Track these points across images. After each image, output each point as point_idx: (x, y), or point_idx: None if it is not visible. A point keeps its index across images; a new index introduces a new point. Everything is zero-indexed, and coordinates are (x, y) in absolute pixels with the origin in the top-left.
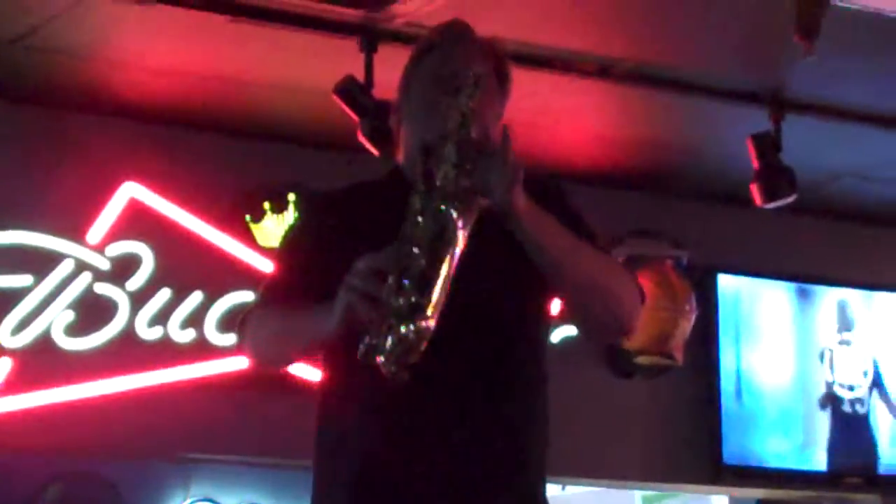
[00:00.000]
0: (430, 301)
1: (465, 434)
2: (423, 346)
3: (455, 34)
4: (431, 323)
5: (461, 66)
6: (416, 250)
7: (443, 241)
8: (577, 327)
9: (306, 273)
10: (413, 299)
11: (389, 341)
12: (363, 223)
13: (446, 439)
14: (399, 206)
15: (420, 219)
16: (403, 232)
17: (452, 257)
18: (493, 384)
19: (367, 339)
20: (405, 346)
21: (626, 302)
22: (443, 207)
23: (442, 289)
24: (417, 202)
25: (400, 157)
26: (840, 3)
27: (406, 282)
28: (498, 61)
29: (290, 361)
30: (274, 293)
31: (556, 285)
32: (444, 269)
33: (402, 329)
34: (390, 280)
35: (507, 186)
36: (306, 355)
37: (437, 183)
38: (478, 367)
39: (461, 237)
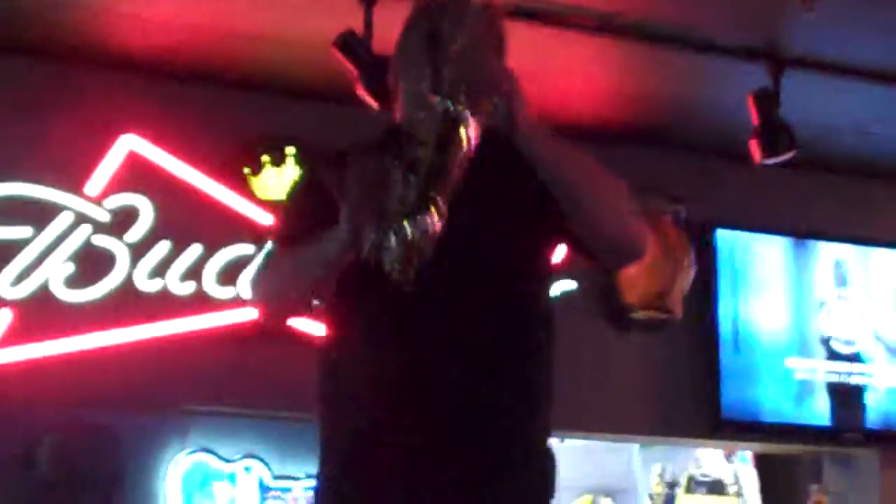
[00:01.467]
0: (436, 200)
1: (471, 385)
2: (430, 247)
3: None
4: (438, 224)
5: (450, 22)
6: (421, 148)
7: (450, 138)
8: (591, 251)
9: (312, 225)
10: (419, 197)
11: (394, 242)
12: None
13: (451, 390)
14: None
15: (424, 114)
16: (409, 122)
17: (459, 158)
18: (498, 335)
19: (373, 238)
20: (411, 247)
21: (634, 222)
22: (450, 103)
23: (449, 190)
24: (423, 96)
25: (397, 115)
26: None
27: (412, 178)
28: (493, 25)
29: (306, 298)
30: (282, 244)
31: (566, 200)
32: (452, 169)
33: (409, 229)
34: (395, 176)
35: (513, 95)
36: (324, 285)
37: (444, 76)
38: (483, 318)
39: (470, 137)
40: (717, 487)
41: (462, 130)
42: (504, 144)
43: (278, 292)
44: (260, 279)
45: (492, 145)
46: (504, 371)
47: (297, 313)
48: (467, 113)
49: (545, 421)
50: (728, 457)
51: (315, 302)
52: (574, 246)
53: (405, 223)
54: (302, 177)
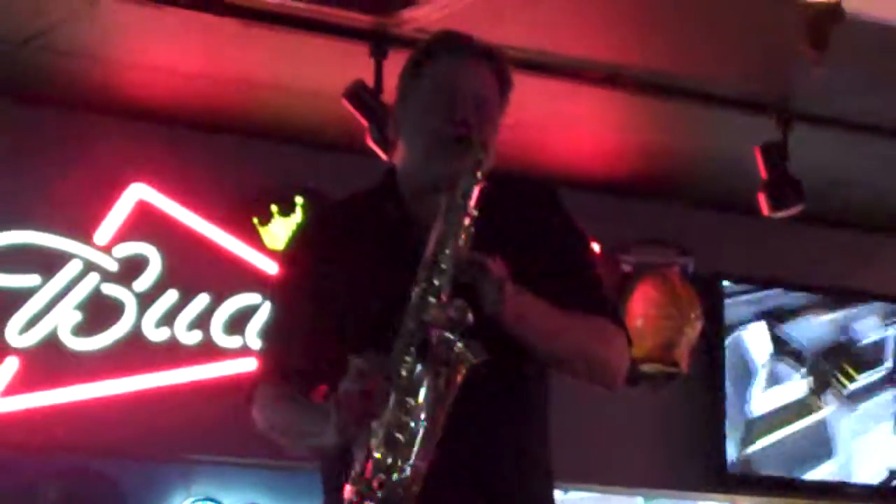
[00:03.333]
0: (425, 454)
1: (469, 431)
2: (417, 487)
3: (454, 44)
4: (424, 466)
5: (460, 83)
6: (414, 401)
7: (441, 403)
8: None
9: (300, 328)
10: (408, 456)
11: (381, 490)
12: (354, 251)
13: (451, 446)
14: (393, 220)
15: (419, 373)
16: (403, 374)
17: (451, 392)
18: (497, 383)
19: (355, 486)
20: (396, 491)
21: (613, 362)
22: (441, 370)
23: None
24: (416, 358)
25: (396, 159)
26: (849, 14)
27: (402, 438)
28: (499, 68)
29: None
30: (274, 362)
31: (545, 361)
32: (444, 412)
33: (397, 476)
34: (380, 433)
35: (494, 297)
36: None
37: (432, 338)
38: (482, 367)
39: (460, 377)
40: None
41: (447, 376)
42: (498, 206)
43: (276, 438)
44: (255, 407)
45: (485, 209)
46: (505, 430)
47: None
48: (457, 349)
49: (548, 477)
50: None
51: None
52: None
53: (395, 468)
54: (293, 244)
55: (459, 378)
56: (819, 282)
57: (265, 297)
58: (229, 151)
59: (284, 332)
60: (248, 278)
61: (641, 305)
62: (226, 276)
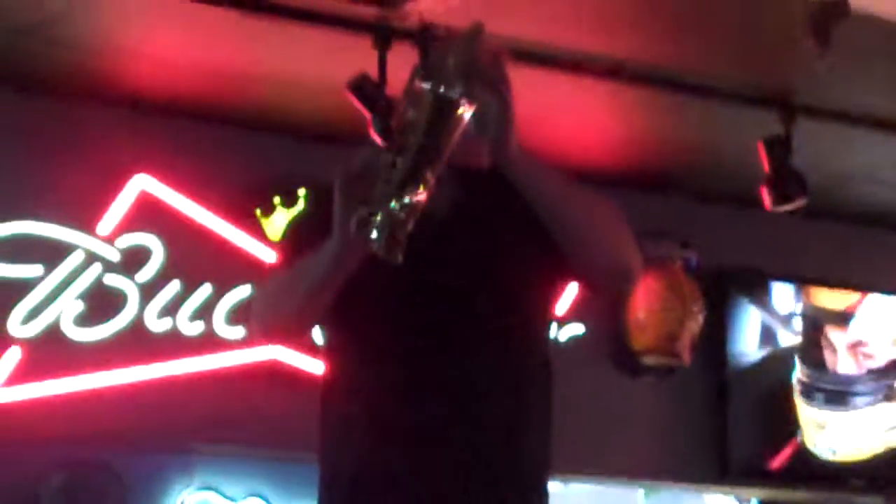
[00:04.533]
0: (424, 177)
1: (466, 430)
2: (412, 221)
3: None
4: (422, 197)
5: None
6: (410, 135)
7: (441, 120)
8: (583, 276)
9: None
10: (407, 174)
11: (379, 219)
12: None
13: (447, 435)
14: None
15: (415, 104)
16: (402, 118)
17: (451, 138)
18: (495, 380)
19: (358, 214)
20: (394, 221)
21: (625, 242)
22: (442, 86)
23: (439, 168)
24: (419, 87)
25: None
26: (854, 9)
27: (399, 160)
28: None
29: (305, 317)
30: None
31: (556, 229)
32: (444, 150)
33: (395, 205)
34: (383, 160)
35: (507, 102)
36: (323, 301)
37: (436, 62)
38: (480, 363)
39: (462, 119)
40: None
41: (454, 112)
42: (497, 191)
43: (274, 309)
44: (255, 301)
45: (484, 195)
46: (502, 421)
47: (293, 333)
48: (460, 94)
49: (545, 462)
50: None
51: (311, 322)
52: (569, 275)
53: (392, 201)
54: (302, 212)
55: (458, 122)
56: (822, 276)
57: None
58: (232, 143)
59: (298, 249)
60: (250, 269)
61: (644, 298)
62: (228, 267)
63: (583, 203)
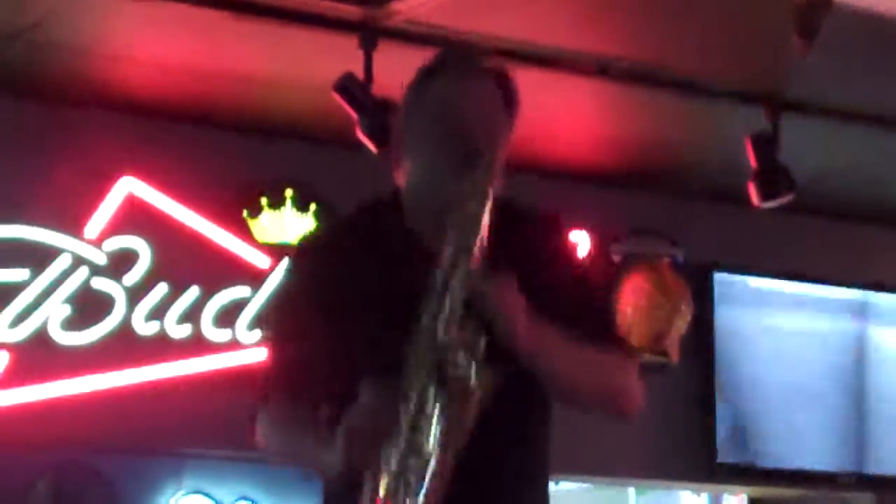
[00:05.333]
0: (437, 485)
1: (483, 481)
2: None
3: (460, 61)
4: (436, 498)
5: (467, 101)
6: (424, 433)
7: (458, 423)
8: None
9: (305, 343)
10: (420, 486)
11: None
12: (361, 271)
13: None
14: (402, 248)
15: (430, 405)
16: (412, 407)
17: (466, 426)
18: (510, 450)
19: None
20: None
21: (629, 391)
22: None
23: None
24: (427, 390)
25: (401, 179)
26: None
27: (413, 465)
28: (506, 87)
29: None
30: (279, 376)
31: (559, 395)
32: (457, 445)
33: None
34: (396, 450)
35: (509, 326)
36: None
37: (444, 371)
38: (497, 434)
39: (474, 406)
40: None
41: (459, 409)
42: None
43: (279, 457)
44: (260, 428)
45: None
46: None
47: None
48: (469, 382)
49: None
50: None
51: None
52: None
53: (405, 497)
54: (290, 278)
55: (471, 411)
56: (809, 271)
57: (255, 290)
58: (219, 145)
59: (286, 344)
60: (238, 271)
61: (632, 296)
62: (216, 270)
63: (592, 373)
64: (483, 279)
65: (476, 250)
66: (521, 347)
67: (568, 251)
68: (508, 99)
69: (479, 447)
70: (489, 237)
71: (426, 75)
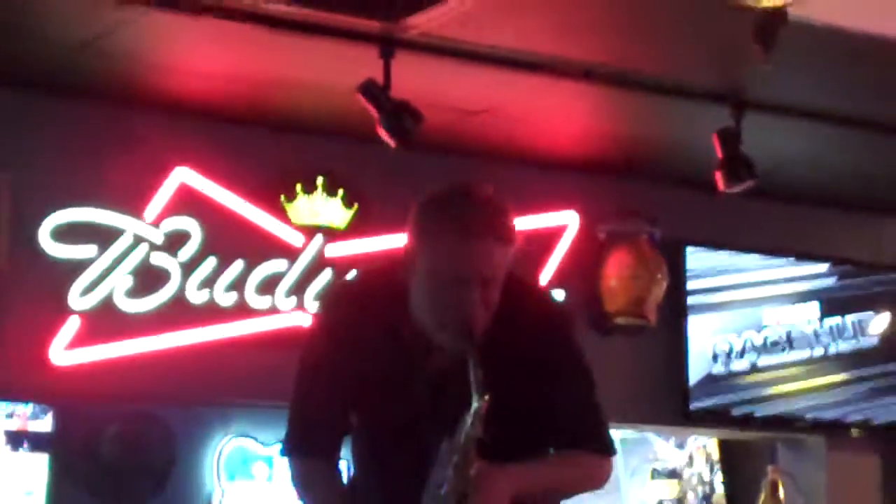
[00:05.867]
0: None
1: None
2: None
3: (468, 226)
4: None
5: (471, 264)
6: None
7: None
8: None
9: (328, 401)
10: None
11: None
12: (376, 356)
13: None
14: (407, 354)
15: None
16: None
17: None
18: None
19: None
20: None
21: (597, 485)
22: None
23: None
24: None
25: (410, 284)
26: (797, 17)
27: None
28: (507, 240)
29: None
30: (304, 431)
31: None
32: None
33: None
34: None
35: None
36: None
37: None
38: None
39: None
40: (675, 473)
41: None
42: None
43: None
44: (292, 478)
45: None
46: None
47: None
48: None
49: None
50: (679, 446)
51: None
52: None
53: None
54: (313, 349)
55: None
56: (768, 247)
57: (291, 264)
58: (259, 139)
59: (311, 398)
60: (276, 248)
61: (615, 268)
62: (257, 246)
63: (563, 489)
64: (471, 478)
65: (474, 446)
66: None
67: (567, 364)
68: (506, 238)
69: None
70: (490, 350)
71: (439, 223)
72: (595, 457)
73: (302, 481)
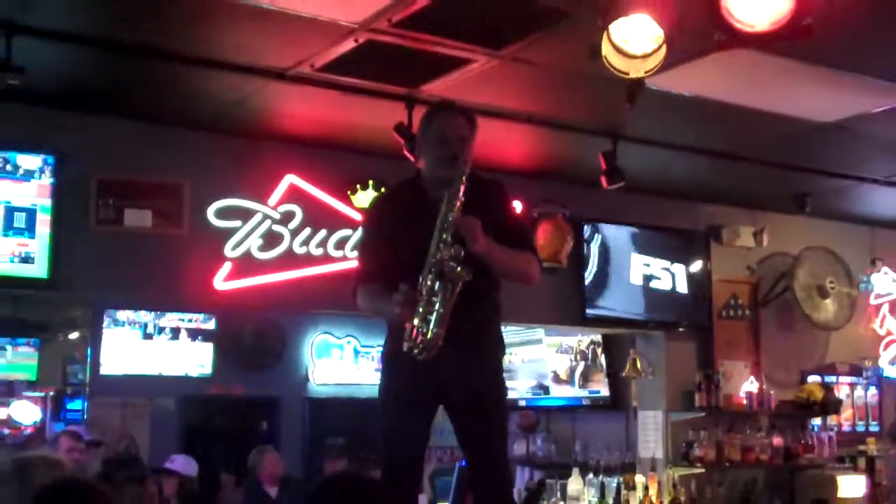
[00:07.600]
0: (442, 325)
1: (458, 319)
2: (440, 342)
3: (447, 107)
4: (442, 331)
5: (451, 130)
6: (435, 299)
7: (451, 293)
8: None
9: (376, 255)
10: (433, 326)
11: (420, 344)
12: (400, 216)
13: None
14: (421, 202)
15: (437, 285)
16: (428, 285)
17: (455, 295)
18: (472, 295)
19: (407, 343)
20: (429, 344)
21: (531, 273)
22: (450, 282)
23: (448, 309)
24: (435, 277)
25: (420, 165)
26: (650, 86)
27: (430, 318)
28: (470, 117)
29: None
30: (364, 272)
31: (498, 274)
32: (451, 304)
33: (428, 336)
34: (420, 309)
35: (472, 241)
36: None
37: (443, 266)
38: (471, 295)
39: (456, 289)
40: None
41: (452, 285)
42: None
43: (366, 312)
44: (356, 297)
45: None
46: (477, 318)
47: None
48: (456, 271)
49: (498, 327)
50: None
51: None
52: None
53: (427, 336)
54: (365, 219)
55: (458, 286)
56: (638, 222)
57: (353, 231)
58: (335, 157)
59: (366, 255)
60: (345, 221)
61: (542, 233)
62: (334, 220)
63: (514, 264)
64: (461, 218)
65: (458, 203)
66: (480, 253)
67: (510, 205)
68: (472, 122)
69: (463, 302)
70: (465, 196)
71: (431, 113)
72: (531, 254)
73: (367, 295)
